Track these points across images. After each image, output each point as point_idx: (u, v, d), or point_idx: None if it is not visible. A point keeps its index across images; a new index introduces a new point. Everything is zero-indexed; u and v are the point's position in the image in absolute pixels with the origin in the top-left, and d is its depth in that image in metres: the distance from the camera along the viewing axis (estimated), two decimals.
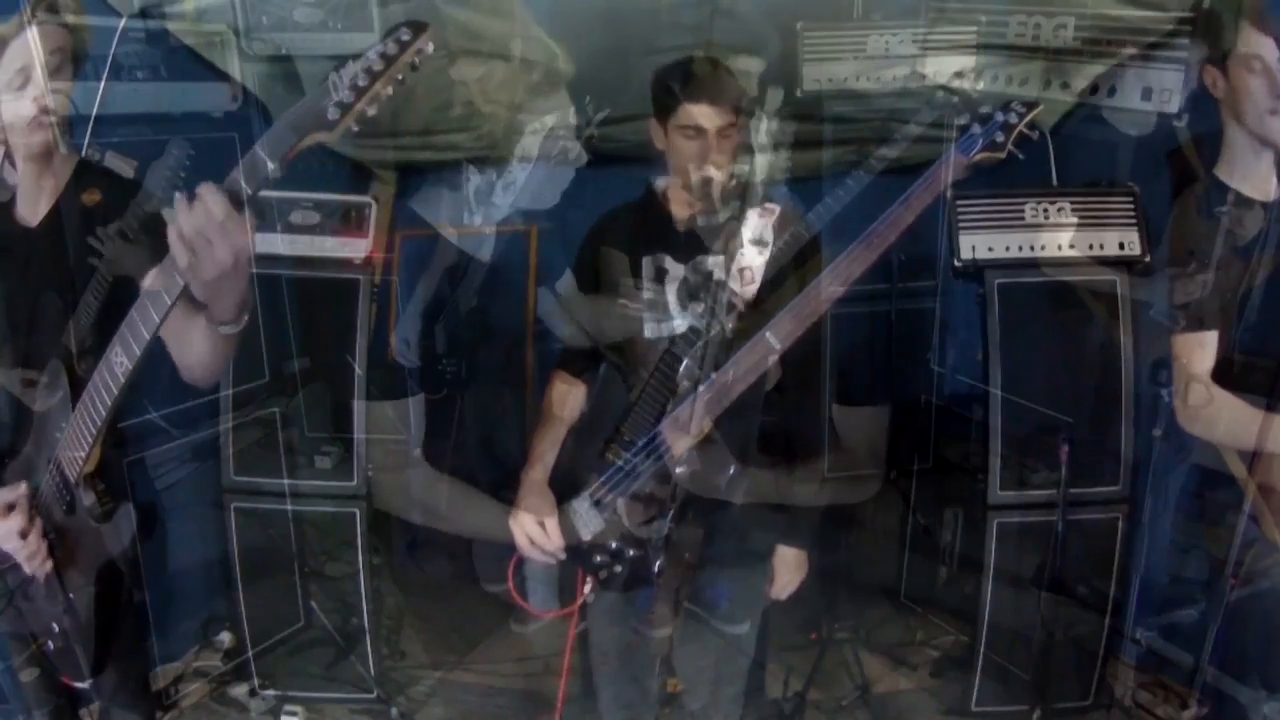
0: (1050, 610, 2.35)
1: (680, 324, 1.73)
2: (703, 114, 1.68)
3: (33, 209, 1.73)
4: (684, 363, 1.66)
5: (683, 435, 1.65)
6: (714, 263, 1.72)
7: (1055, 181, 2.47)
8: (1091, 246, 2.25)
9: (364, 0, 2.40)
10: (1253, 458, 1.82)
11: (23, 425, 1.72)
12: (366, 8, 2.41)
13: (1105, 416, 2.31)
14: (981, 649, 2.40)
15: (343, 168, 2.88)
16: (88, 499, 1.65)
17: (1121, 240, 2.24)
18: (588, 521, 1.75)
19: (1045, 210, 2.28)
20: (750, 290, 1.65)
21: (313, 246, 2.43)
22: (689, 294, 1.73)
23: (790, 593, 1.87)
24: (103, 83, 2.31)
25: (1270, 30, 1.71)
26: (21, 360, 1.76)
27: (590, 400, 1.87)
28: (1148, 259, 2.22)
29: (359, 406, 2.51)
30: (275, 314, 2.74)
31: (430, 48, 1.17)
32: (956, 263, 2.31)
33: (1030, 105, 1.43)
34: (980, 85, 2.30)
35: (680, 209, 1.79)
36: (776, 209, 1.73)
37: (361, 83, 1.16)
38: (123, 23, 2.38)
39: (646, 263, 1.76)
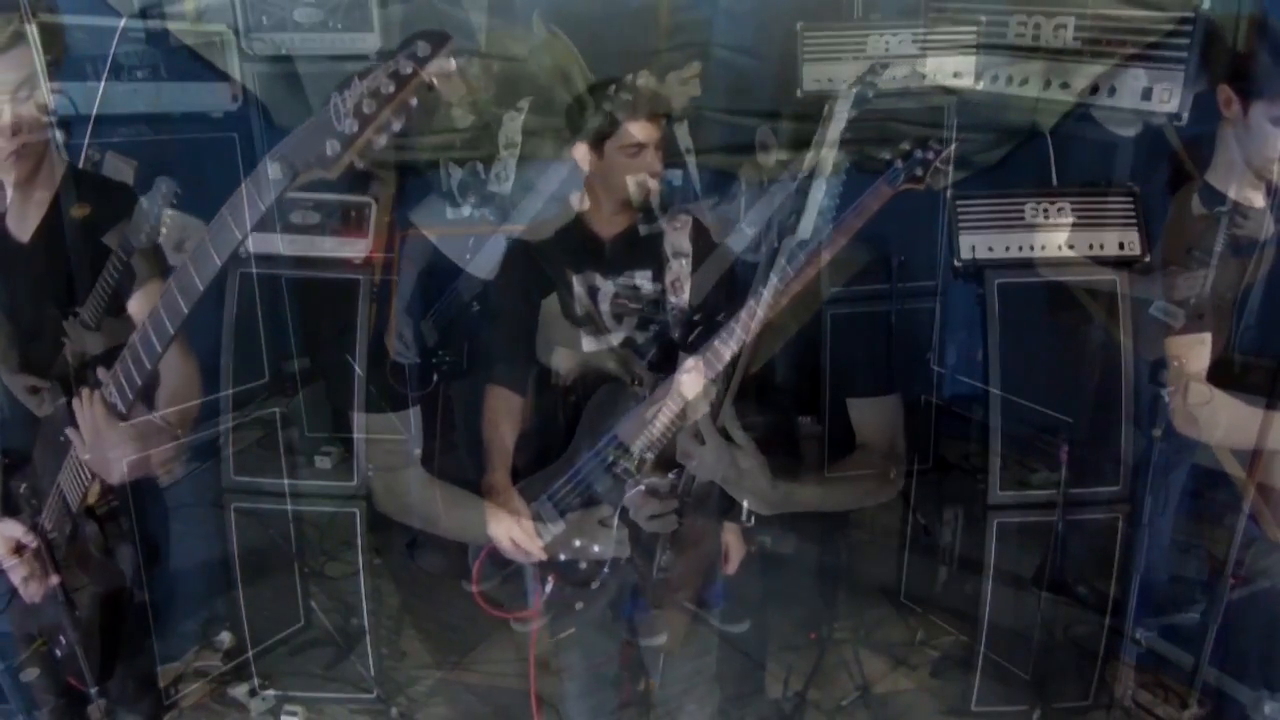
0: (1050, 610, 2.35)
1: (616, 337, 1.82)
2: (645, 130, 1.77)
3: (21, 225, 1.72)
4: (643, 370, 1.73)
5: (640, 436, 1.72)
6: (641, 276, 1.78)
7: (1055, 181, 2.47)
8: (1091, 246, 2.25)
9: (364, 0, 2.40)
10: (1252, 457, 1.82)
11: (31, 430, 1.73)
12: (366, 8, 2.41)
13: (1105, 416, 2.31)
14: (981, 649, 2.40)
15: None
16: (89, 529, 1.65)
17: (1121, 240, 2.24)
18: (548, 523, 1.78)
19: (1045, 210, 2.28)
20: (684, 299, 1.77)
21: (313, 246, 2.43)
22: (623, 307, 1.81)
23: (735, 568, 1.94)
24: (103, 83, 2.31)
25: None
26: (26, 368, 1.76)
27: (528, 411, 1.95)
28: (1148, 259, 2.22)
29: (359, 406, 2.51)
30: (275, 314, 2.74)
31: (452, 64, 0.98)
32: (956, 263, 2.31)
33: (944, 144, 1.61)
34: (980, 85, 2.30)
35: (604, 227, 1.87)
36: (689, 219, 1.81)
37: (368, 109, 0.95)
38: (123, 23, 2.38)
39: (578, 280, 1.84)
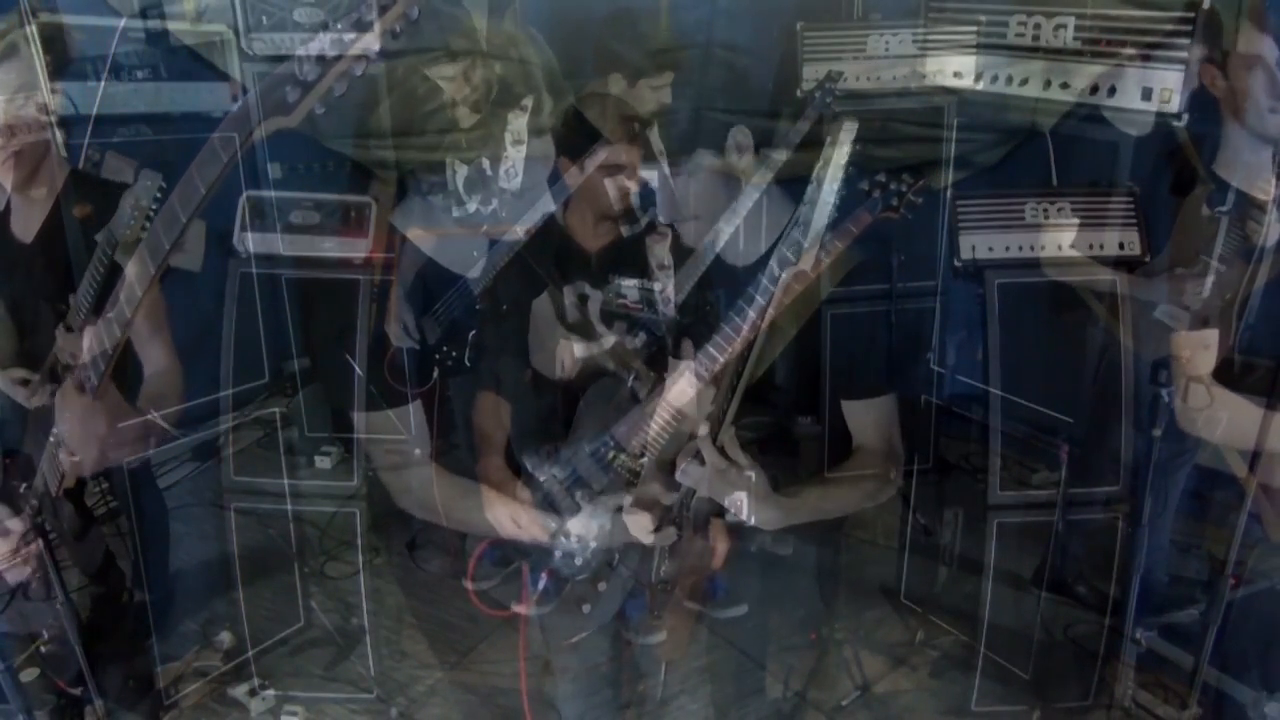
0: (1050, 610, 2.35)
1: (607, 341, 1.85)
2: (630, 152, 1.84)
3: (25, 226, 1.74)
4: (632, 377, 1.75)
5: (635, 438, 1.74)
6: (628, 286, 1.81)
7: (1055, 181, 2.46)
8: (1091, 246, 2.25)
9: (364, 0, 2.39)
10: (1254, 457, 1.82)
11: (24, 427, 1.73)
12: (367, 7, 2.41)
13: (1105, 416, 2.31)
14: (981, 649, 2.40)
15: (343, 168, 2.88)
16: (65, 511, 1.67)
17: (1121, 240, 2.24)
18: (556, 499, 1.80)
19: (1045, 210, 2.28)
20: (671, 309, 1.81)
21: (313, 246, 2.43)
22: (615, 307, 1.83)
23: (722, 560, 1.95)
24: (102, 83, 2.31)
25: (1270, 29, 1.72)
26: (20, 363, 1.77)
27: (521, 410, 1.98)
28: (1148, 259, 2.22)
29: (359, 406, 2.50)
30: (275, 314, 2.74)
31: (416, 12, 1.02)
32: (956, 263, 2.31)
33: (917, 178, 1.67)
34: (980, 85, 2.30)
35: (588, 240, 1.90)
36: (669, 233, 1.84)
37: (331, 53, 1.00)
38: (123, 23, 2.38)
39: (568, 290, 1.88)
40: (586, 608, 1.83)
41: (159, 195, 1.70)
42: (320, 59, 0.99)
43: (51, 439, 1.58)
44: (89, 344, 1.34)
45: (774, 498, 1.70)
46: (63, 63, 1.77)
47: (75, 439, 1.33)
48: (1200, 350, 1.86)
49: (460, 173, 2.54)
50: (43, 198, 1.76)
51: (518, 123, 2.39)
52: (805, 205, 1.60)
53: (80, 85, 2.28)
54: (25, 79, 1.62)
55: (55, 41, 1.75)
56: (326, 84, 1.00)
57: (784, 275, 1.59)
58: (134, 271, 1.26)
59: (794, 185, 1.66)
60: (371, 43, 1.00)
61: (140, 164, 2.45)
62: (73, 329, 1.69)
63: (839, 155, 1.60)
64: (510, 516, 1.80)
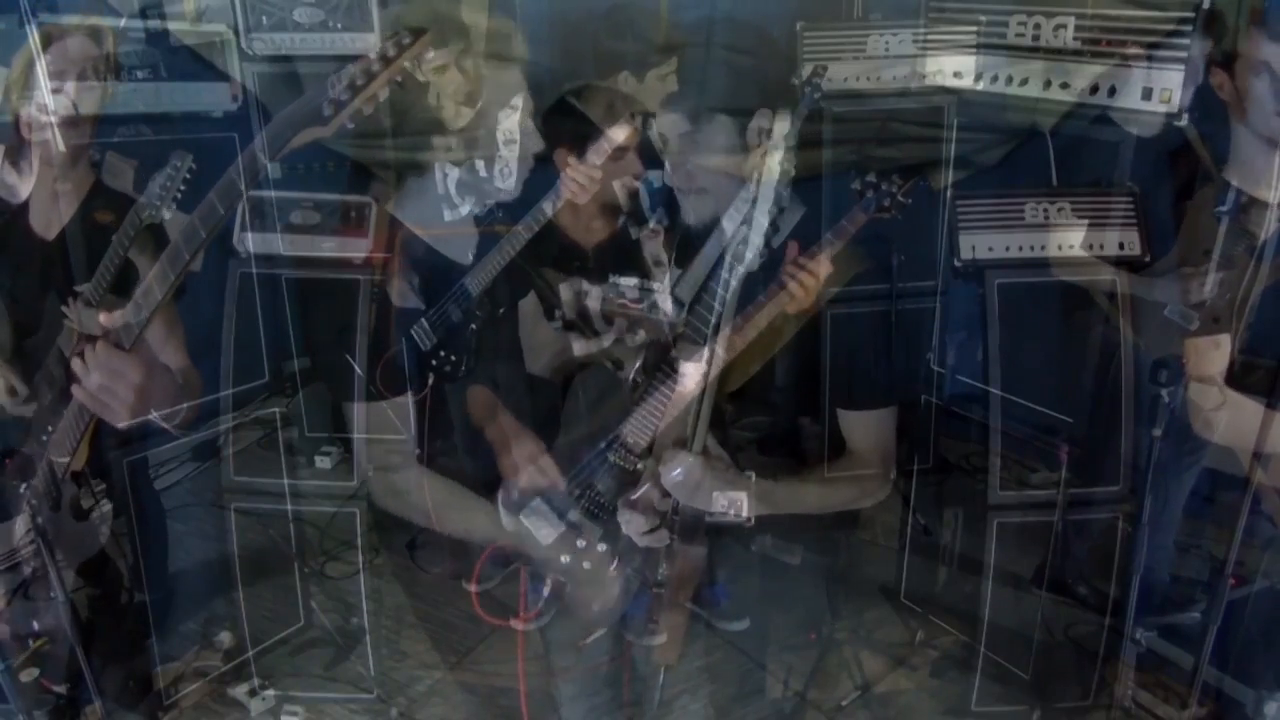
0: (1050, 610, 2.35)
1: (607, 339, 1.89)
2: (625, 134, 1.86)
3: (45, 223, 1.75)
4: (633, 371, 1.75)
5: (641, 438, 1.75)
6: (626, 284, 1.82)
7: (1055, 181, 2.47)
8: (1091, 247, 2.26)
9: (364, 0, 2.40)
10: (1266, 458, 1.82)
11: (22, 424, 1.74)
12: (366, 7, 2.41)
13: (1106, 416, 2.31)
14: (981, 649, 2.40)
15: (343, 168, 2.88)
16: (69, 493, 1.68)
17: (1121, 240, 2.25)
18: (548, 519, 1.79)
19: (1045, 210, 2.28)
20: (669, 305, 1.84)
21: (313, 246, 2.43)
22: (613, 307, 1.83)
23: None
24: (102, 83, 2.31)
25: (1274, 32, 1.72)
26: (16, 361, 1.77)
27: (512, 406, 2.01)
28: (1148, 259, 2.22)
29: (359, 406, 2.51)
30: (275, 314, 2.74)
31: (431, 53, 1.25)
32: (956, 263, 2.31)
33: (906, 179, 1.73)
34: (980, 85, 2.30)
35: (583, 236, 1.88)
36: (661, 230, 1.85)
37: (359, 82, 1.23)
38: (123, 23, 2.38)
39: (564, 287, 1.86)
40: (595, 606, 1.83)
41: (188, 175, 1.76)
42: (351, 85, 1.23)
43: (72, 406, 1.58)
44: (126, 309, 1.38)
45: (747, 483, 1.71)
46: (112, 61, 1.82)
47: (111, 390, 1.37)
48: (1211, 350, 1.86)
49: (451, 175, 2.54)
50: (68, 198, 1.78)
51: (509, 121, 2.38)
52: (744, 204, 1.61)
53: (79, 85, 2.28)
54: (89, 58, 1.68)
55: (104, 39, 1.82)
56: (356, 105, 1.23)
57: (734, 279, 1.59)
58: (181, 234, 1.33)
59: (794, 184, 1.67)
60: (393, 74, 1.24)
61: (140, 164, 2.46)
62: (92, 304, 1.71)
63: (771, 162, 1.60)
64: (530, 457, 1.80)
